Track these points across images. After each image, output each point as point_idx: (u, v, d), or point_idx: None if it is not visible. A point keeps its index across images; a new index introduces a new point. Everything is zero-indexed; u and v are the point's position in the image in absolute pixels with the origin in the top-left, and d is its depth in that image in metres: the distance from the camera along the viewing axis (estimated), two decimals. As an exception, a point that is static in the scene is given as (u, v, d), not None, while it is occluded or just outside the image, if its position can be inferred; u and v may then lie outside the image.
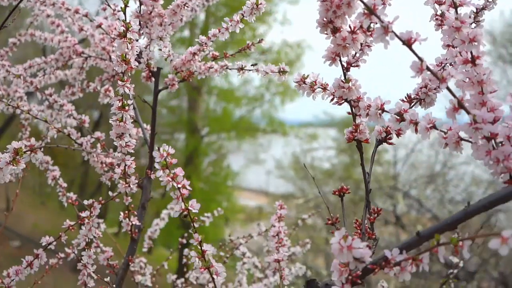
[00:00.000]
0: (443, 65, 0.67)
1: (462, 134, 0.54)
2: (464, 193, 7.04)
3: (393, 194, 6.07)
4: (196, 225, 0.62)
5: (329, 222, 0.62)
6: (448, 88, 0.49)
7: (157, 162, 0.59)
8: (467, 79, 0.52)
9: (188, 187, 0.60)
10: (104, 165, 0.99)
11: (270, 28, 10.62)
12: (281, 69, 0.82)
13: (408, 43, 0.49)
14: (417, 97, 0.66)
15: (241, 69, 0.90)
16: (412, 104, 0.67)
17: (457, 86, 0.57)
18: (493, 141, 0.51)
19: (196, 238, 0.62)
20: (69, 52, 1.17)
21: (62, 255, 1.02)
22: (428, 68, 0.48)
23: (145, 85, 1.10)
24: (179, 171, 0.60)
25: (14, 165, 0.66)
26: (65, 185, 1.07)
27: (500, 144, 0.50)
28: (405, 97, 0.67)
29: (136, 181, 0.88)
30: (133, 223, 0.94)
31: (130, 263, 0.95)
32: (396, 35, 0.49)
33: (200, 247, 0.62)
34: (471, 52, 0.52)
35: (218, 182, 10.44)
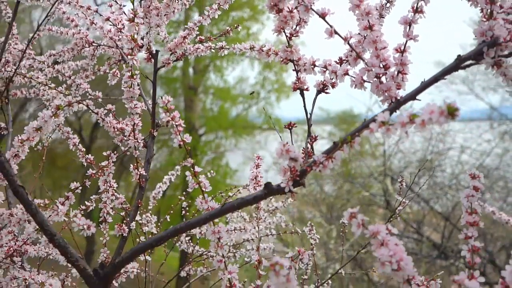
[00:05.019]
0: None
1: (365, 77, 0.79)
2: (454, 179, 7.31)
3: (382, 179, 6.34)
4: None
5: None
6: (349, 45, 0.75)
7: (161, 107, 0.84)
8: (366, 39, 0.78)
9: (183, 125, 0.85)
10: (115, 130, 1.24)
11: (264, 27, 10.87)
12: (251, 46, 1.07)
13: (323, 16, 0.74)
14: (346, 59, 0.92)
15: (221, 48, 1.16)
16: (343, 64, 0.92)
17: (364, 46, 0.82)
18: (383, 78, 0.77)
19: (189, 161, 0.87)
20: (82, 43, 1.42)
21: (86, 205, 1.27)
22: (335, 32, 0.74)
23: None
24: (177, 114, 0.85)
25: (56, 117, 0.91)
26: (83, 149, 1.32)
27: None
28: (338, 59, 0.92)
29: (143, 138, 1.13)
30: (141, 173, 1.20)
31: (139, 205, 1.21)
32: (314, 11, 0.74)
33: (192, 169, 0.88)
34: (368, 21, 0.77)
35: (217, 180, 10.65)
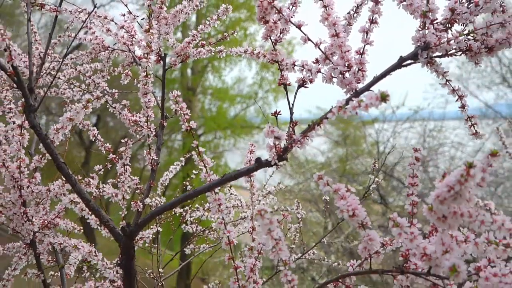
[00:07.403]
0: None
1: (333, 74, 1.00)
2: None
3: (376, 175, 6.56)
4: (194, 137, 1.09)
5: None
6: (320, 49, 0.96)
7: (171, 100, 1.05)
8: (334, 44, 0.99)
9: (189, 114, 1.06)
10: (130, 121, 1.45)
11: (261, 27, 11.07)
12: (245, 50, 1.29)
13: (298, 26, 0.96)
14: (318, 60, 1.13)
15: (220, 51, 1.37)
16: (319, 64, 1.13)
17: (333, 49, 1.03)
18: (347, 75, 0.98)
19: (195, 143, 1.09)
20: (99, 47, 1.63)
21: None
22: (308, 38, 0.95)
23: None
24: (184, 104, 1.06)
25: (85, 109, 1.12)
26: (102, 139, 1.54)
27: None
28: (315, 59, 1.14)
29: (155, 127, 1.35)
30: (153, 158, 1.41)
31: (151, 185, 1.42)
32: (292, 23, 0.96)
33: (197, 149, 1.09)
34: (335, 30, 0.98)
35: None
